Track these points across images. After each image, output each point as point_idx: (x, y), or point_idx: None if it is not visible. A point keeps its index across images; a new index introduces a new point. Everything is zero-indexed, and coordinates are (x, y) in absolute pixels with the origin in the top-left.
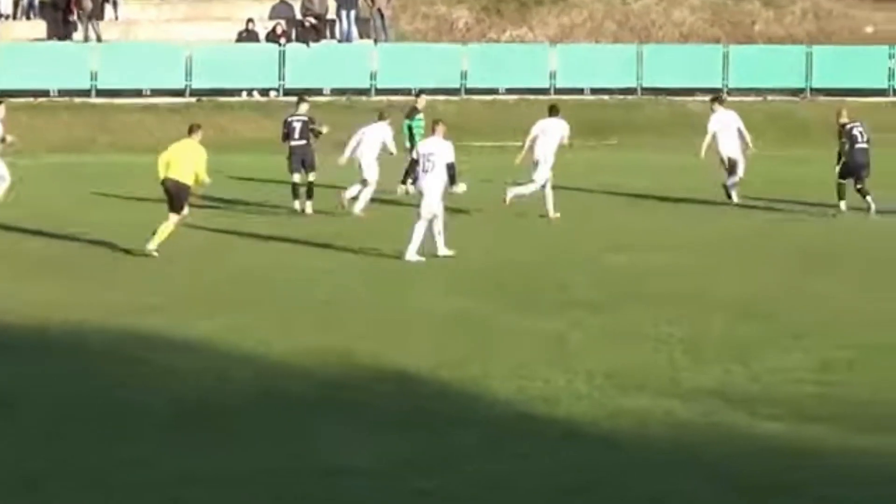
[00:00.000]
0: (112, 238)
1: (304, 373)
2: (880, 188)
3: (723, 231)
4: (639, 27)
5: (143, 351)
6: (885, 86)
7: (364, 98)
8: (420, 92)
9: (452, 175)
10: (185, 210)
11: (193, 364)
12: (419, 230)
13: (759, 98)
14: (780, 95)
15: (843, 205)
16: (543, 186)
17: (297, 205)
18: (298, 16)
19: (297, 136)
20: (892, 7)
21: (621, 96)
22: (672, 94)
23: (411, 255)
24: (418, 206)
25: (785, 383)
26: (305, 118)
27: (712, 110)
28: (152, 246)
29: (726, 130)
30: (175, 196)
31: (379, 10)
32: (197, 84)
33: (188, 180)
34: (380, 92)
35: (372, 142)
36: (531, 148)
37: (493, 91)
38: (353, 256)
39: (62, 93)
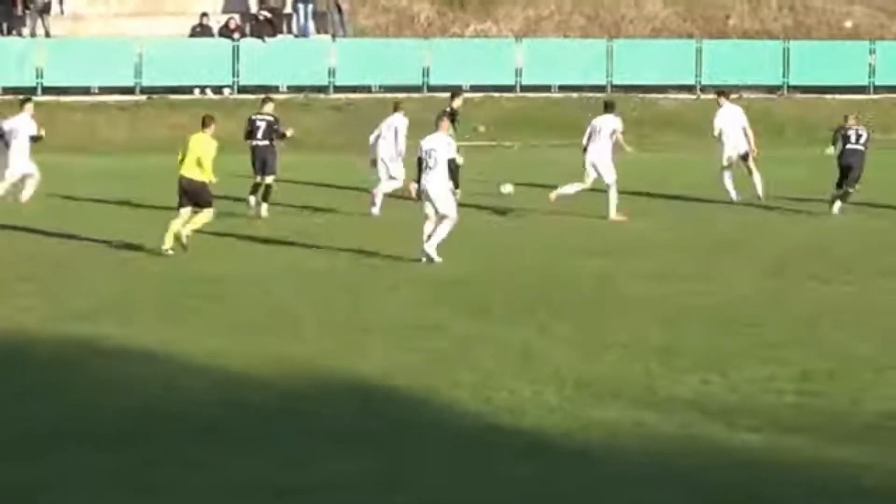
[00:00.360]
0: (63, 243)
1: (262, 383)
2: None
3: (702, 234)
4: (609, 21)
5: (91, 357)
6: (865, 82)
7: (322, 96)
8: (455, 92)
9: (454, 171)
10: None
11: (140, 373)
12: (444, 227)
13: (734, 95)
14: (756, 93)
15: (835, 207)
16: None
17: (251, 201)
18: (254, 10)
19: (259, 135)
20: (871, 1)
21: (590, 94)
22: (643, 92)
23: (431, 249)
24: (433, 206)
25: (764, 394)
26: (270, 118)
27: (718, 105)
28: (167, 246)
29: (732, 127)
30: (194, 195)
31: (337, 3)
32: (147, 81)
33: (202, 176)
34: (338, 89)
35: (392, 135)
36: (586, 149)
37: (457, 88)
38: (312, 260)
39: (6, 90)
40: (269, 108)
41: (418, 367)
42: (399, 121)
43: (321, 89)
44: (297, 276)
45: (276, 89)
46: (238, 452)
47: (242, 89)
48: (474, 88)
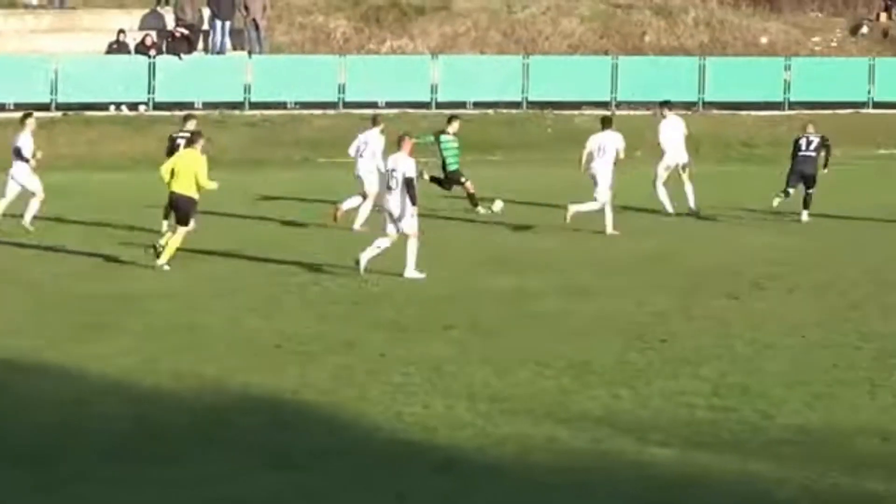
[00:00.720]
0: None
1: (174, 400)
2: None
3: (619, 250)
4: (525, 38)
5: (8, 374)
6: (780, 99)
7: (237, 112)
8: (453, 116)
9: (411, 189)
10: (192, 224)
11: (56, 390)
12: (411, 248)
13: (650, 112)
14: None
15: (775, 201)
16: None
17: (165, 226)
18: (170, 26)
19: None
20: (787, 17)
21: (506, 110)
22: (559, 108)
23: (411, 272)
24: (394, 225)
25: (676, 408)
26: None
27: (662, 116)
28: (163, 261)
29: (674, 138)
30: (181, 209)
31: (254, 20)
32: (63, 98)
33: (192, 192)
34: (254, 106)
35: (373, 150)
36: (588, 164)
37: (373, 105)
38: (229, 275)
39: None
40: (191, 125)
41: (329, 384)
42: (371, 136)
43: (236, 106)
44: (212, 292)
45: (191, 106)
46: (151, 469)
47: (158, 106)
48: (390, 105)
